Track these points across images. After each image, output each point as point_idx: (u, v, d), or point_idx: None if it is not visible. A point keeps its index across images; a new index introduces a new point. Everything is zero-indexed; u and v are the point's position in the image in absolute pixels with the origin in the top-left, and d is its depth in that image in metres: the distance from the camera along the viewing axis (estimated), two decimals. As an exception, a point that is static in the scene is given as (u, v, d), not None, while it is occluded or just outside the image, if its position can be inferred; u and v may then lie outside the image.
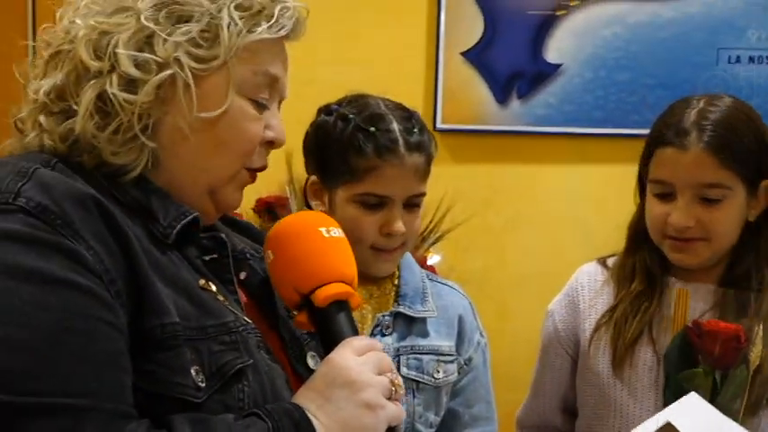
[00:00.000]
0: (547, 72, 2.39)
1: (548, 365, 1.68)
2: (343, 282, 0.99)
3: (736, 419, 1.41)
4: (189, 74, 0.92)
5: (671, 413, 1.23)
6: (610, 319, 1.58)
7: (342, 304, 0.98)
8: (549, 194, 2.47)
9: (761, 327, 1.42)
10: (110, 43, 0.91)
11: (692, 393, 1.27)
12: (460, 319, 1.52)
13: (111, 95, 0.89)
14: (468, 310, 1.56)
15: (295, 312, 1.03)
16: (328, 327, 0.98)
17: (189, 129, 0.93)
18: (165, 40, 0.91)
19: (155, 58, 0.91)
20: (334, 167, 1.42)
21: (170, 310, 0.88)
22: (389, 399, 0.94)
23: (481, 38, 2.36)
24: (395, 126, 1.43)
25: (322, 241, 1.01)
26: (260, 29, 0.95)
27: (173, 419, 0.84)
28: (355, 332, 0.99)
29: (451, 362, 1.49)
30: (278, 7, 0.97)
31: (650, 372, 1.53)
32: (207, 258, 0.99)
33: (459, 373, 1.51)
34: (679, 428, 1.17)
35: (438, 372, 1.49)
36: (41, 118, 0.93)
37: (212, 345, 0.90)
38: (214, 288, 0.96)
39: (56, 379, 0.78)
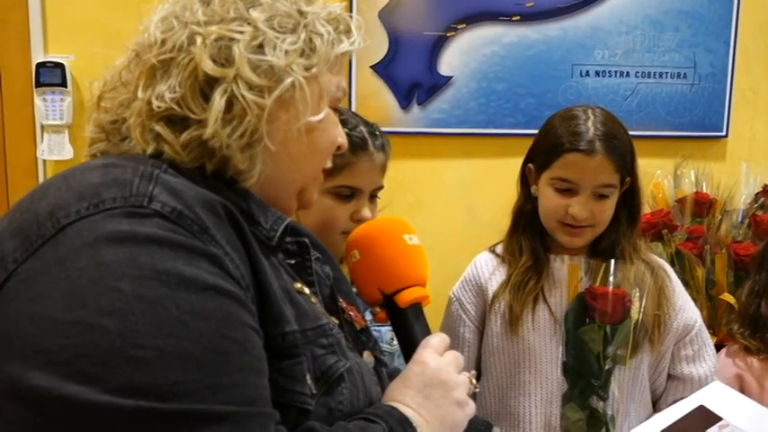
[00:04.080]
0: (440, 83, 2.54)
1: (458, 340, 1.80)
2: (421, 286, 1.02)
3: (624, 361, 1.63)
4: (303, 80, 0.89)
5: (701, 397, 1.20)
6: (506, 288, 1.76)
7: (419, 305, 1.03)
8: (443, 184, 2.64)
9: (637, 290, 1.64)
10: (231, 50, 0.86)
11: (717, 382, 1.25)
12: None
13: (241, 97, 0.85)
14: None
15: (377, 309, 1.07)
16: (408, 326, 1.02)
17: (303, 132, 0.91)
18: (280, 48, 0.88)
19: (276, 63, 0.87)
20: None
21: (289, 318, 0.83)
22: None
23: (386, 54, 2.50)
24: (362, 128, 1.52)
25: (406, 247, 1.04)
26: (344, 42, 0.96)
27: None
28: (429, 331, 1.03)
29: None
30: (352, 23, 0.98)
31: (549, 329, 1.72)
32: (293, 262, 0.97)
33: None
34: (712, 409, 1.16)
35: (393, 340, 1.56)
36: (158, 127, 0.86)
37: (314, 349, 0.87)
38: (307, 291, 0.93)
39: (222, 388, 0.71)
